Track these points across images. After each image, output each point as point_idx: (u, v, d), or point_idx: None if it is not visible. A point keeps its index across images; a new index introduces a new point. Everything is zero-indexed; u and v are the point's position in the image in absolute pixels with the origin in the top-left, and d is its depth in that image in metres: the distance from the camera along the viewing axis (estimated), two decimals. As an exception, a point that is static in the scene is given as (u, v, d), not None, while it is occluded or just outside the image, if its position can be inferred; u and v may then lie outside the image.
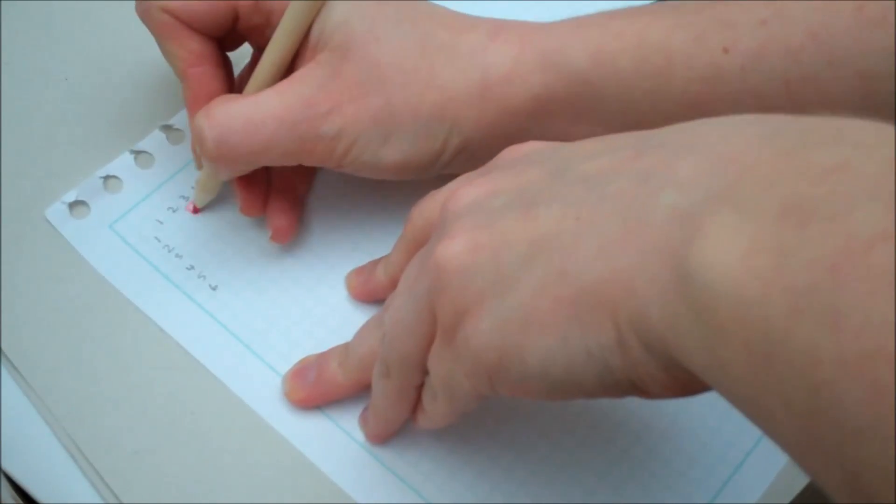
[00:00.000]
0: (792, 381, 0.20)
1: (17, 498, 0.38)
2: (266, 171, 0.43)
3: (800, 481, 0.38)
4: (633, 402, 0.39)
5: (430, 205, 0.36)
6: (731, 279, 0.22)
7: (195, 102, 0.40)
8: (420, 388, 0.34)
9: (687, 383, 0.26)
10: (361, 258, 0.43)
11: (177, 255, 0.43)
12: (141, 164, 0.45)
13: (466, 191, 0.31)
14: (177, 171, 0.45)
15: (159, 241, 0.43)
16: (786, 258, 0.21)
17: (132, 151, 0.46)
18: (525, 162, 0.32)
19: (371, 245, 0.43)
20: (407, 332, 0.32)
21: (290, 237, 0.43)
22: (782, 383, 0.21)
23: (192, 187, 0.45)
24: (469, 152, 0.40)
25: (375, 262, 0.42)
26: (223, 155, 0.38)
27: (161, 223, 0.44)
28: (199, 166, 0.43)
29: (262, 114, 0.37)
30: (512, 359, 0.28)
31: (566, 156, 0.30)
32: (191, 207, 0.44)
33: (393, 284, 0.39)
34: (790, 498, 0.38)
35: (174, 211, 0.44)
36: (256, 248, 0.43)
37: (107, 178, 0.45)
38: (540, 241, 0.28)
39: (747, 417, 0.23)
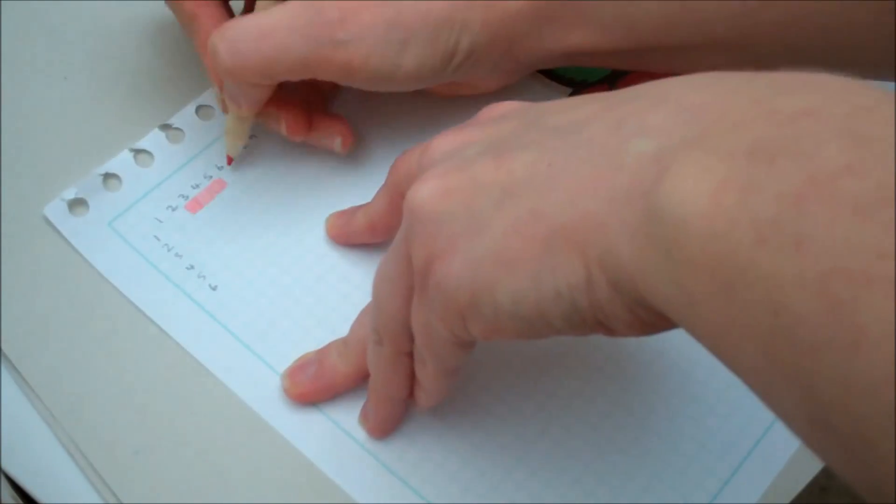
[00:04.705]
0: (755, 307, 0.21)
1: (17, 498, 0.38)
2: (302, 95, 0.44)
3: (800, 481, 0.38)
4: (634, 402, 0.40)
5: (411, 155, 0.37)
6: (700, 214, 0.22)
7: (207, 40, 0.41)
8: (412, 358, 0.35)
9: (650, 323, 0.27)
10: (360, 258, 0.43)
11: (176, 255, 0.43)
12: (140, 162, 0.45)
13: (441, 141, 0.32)
14: (176, 169, 0.45)
15: (158, 239, 0.43)
16: (753, 192, 0.22)
17: (131, 150, 0.46)
18: (500, 118, 0.33)
19: (369, 246, 0.43)
20: (390, 286, 0.33)
21: (353, 142, 0.45)
22: (745, 309, 0.21)
23: (217, 164, 0.46)
24: (476, 56, 0.41)
25: (357, 207, 0.43)
26: (237, 66, 0.39)
27: (160, 222, 0.44)
28: (225, 109, 0.43)
29: (271, 21, 0.39)
30: (483, 297, 0.29)
31: (540, 111, 0.31)
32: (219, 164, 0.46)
33: (370, 229, 0.41)
34: (790, 498, 0.38)
35: (174, 209, 0.44)
36: (256, 248, 0.43)
37: (106, 175, 0.45)
38: (512, 186, 0.28)
39: (710, 350, 0.24)
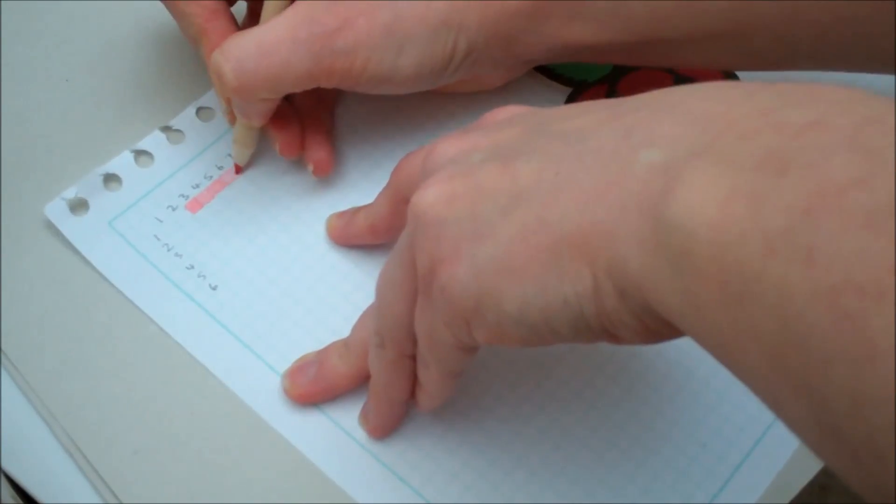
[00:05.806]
0: (764, 317, 0.21)
1: (17, 498, 0.38)
2: (297, 112, 0.44)
3: (800, 481, 0.38)
4: (634, 402, 0.39)
5: (415, 159, 0.37)
6: (710, 224, 0.22)
7: None
8: (414, 360, 0.35)
9: (657, 331, 0.27)
10: (361, 258, 0.43)
11: (176, 255, 0.43)
12: (141, 163, 0.45)
13: (446, 145, 0.32)
14: (176, 169, 0.45)
15: (158, 239, 0.43)
16: (763, 203, 0.22)
17: (132, 151, 0.46)
18: (505, 123, 0.33)
19: (370, 246, 0.43)
20: (393, 289, 0.33)
21: (330, 169, 0.44)
22: (754, 320, 0.22)
23: (229, 155, 0.46)
24: (475, 55, 0.42)
25: (358, 209, 0.43)
26: (243, 85, 0.39)
27: (160, 221, 0.44)
28: (232, 121, 0.43)
29: (272, 37, 0.39)
30: (488, 304, 0.28)
31: (545, 117, 0.31)
32: (230, 171, 0.46)
33: (371, 231, 0.41)
34: (790, 498, 0.38)
35: (174, 209, 0.44)
36: (256, 248, 0.43)
37: (106, 176, 0.45)
38: (519, 193, 0.28)
39: (717, 358, 0.24)
